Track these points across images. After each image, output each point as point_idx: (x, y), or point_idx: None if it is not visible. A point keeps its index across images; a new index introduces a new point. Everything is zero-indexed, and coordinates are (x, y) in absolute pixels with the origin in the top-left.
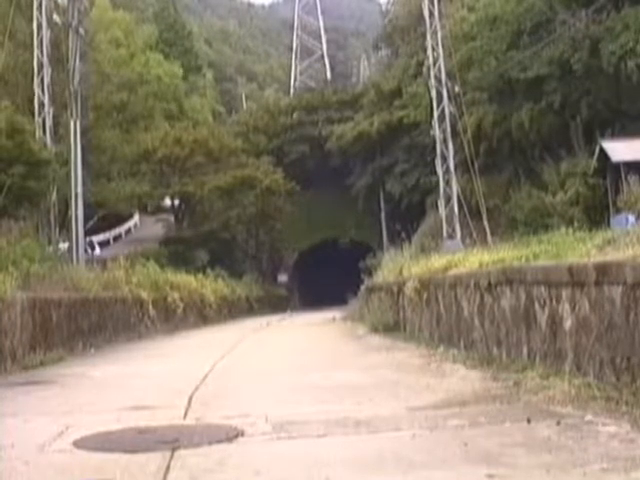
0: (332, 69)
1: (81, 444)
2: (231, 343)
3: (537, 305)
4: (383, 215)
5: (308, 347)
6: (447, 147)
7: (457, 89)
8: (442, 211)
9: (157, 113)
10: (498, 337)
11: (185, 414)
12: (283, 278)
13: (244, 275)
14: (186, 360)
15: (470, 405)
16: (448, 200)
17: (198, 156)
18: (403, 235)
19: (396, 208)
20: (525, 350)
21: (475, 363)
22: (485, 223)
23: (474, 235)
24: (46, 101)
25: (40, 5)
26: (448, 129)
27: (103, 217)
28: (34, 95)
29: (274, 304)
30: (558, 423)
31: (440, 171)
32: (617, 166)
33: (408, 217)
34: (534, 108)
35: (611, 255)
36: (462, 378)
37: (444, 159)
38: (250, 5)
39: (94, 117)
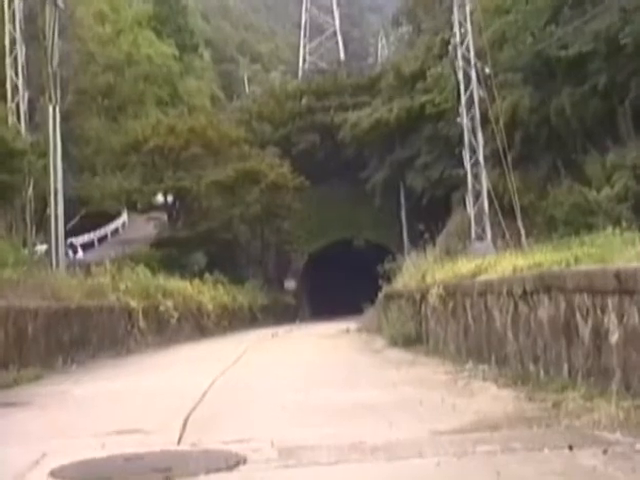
0: (346, 48)
1: (59, 474)
2: (232, 357)
3: (579, 316)
4: (403, 213)
5: (319, 362)
6: (476, 137)
7: (488, 70)
8: (470, 209)
9: (148, 98)
10: (534, 352)
11: (180, 438)
12: (291, 284)
13: (247, 281)
14: (181, 376)
15: (502, 429)
16: (477, 196)
17: (194, 147)
18: (426, 236)
19: (418, 205)
20: (565, 367)
21: (508, 381)
22: (519, 222)
23: (507, 236)
24: (20, 84)
25: None
26: (477, 116)
27: (87, 216)
28: (6, 77)
29: (281, 314)
30: (605, 451)
31: (468, 164)
32: None
33: (431, 215)
34: (576, 91)
35: None
36: (493, 398)
37: (472, 150)
38: None
39: (76, 102)
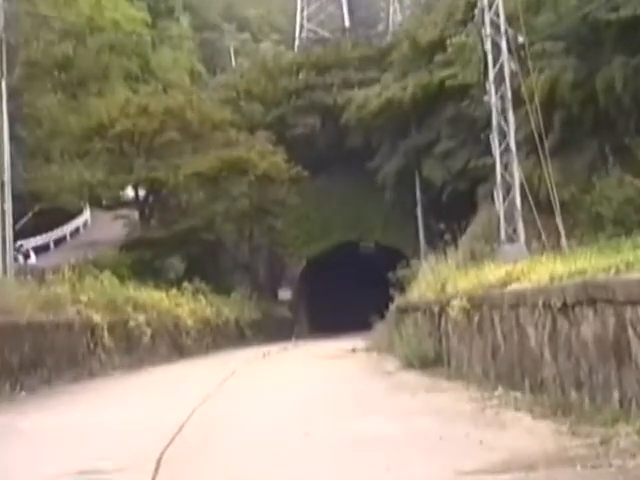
0: (351, 14)
1: None
2: (215, 381)
3: (632, 333)
4: (419, 210)
5: (319, 387)
6: (507, 118)
7: (521, 39)
8: (499, 205)
9: (114, 72)
10: (577, 376)
11: None
12: (286, 294)
13: (233, 290)
14: (154, 406)
15: (540, 469)
16: (508, 190)
17: (171, 131)
18: (446, 237)
19: (437, 201)
20: (616, 395)
21: (545, 411)
22: (558, 221)
23: (543, 237)
24: None
25: None
26: (508, 94)
27: (40, 214)
28: None
29: (273, 329)
30: None
31: (497, 151)
32: None
33: (453, 213)
34: (629, 62)
35: None
36: (528, 431)
37: (502, 135)
38: None
39: (26, 76)
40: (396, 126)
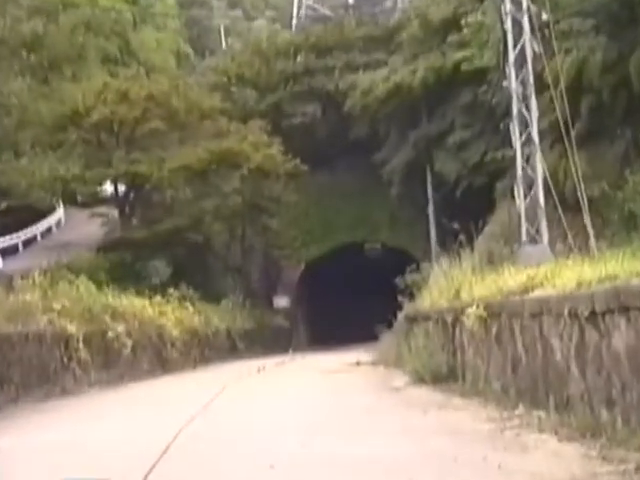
0: None
1: None
2: (202, 401)
3: None
4: (431, 208)
5: (319, 405)
6: (528, 105)
7: (545, 16)
8: (520, 202)
9: (90, 54)
10: (608, 394)
11: None
12: (282, 302)
13: (224, 298)
14: (134, 427)
15: None
16: (530, 185)
17: (154, 120)
18: (461, 237)
19: (450, 197)
20: None
21: (573, 433)
22: (586, 219)
23: (569, 238)
24: None
25: None
26: (530, 78)
27: (8, 211)
28: None
29: (269, 341)
30: None
31: (518, 142)
32: None
33: (468, 211)
34: None
35: None
36: (554, 455)
37: (524, 124)
38: None
39: None
40: (405, 114)
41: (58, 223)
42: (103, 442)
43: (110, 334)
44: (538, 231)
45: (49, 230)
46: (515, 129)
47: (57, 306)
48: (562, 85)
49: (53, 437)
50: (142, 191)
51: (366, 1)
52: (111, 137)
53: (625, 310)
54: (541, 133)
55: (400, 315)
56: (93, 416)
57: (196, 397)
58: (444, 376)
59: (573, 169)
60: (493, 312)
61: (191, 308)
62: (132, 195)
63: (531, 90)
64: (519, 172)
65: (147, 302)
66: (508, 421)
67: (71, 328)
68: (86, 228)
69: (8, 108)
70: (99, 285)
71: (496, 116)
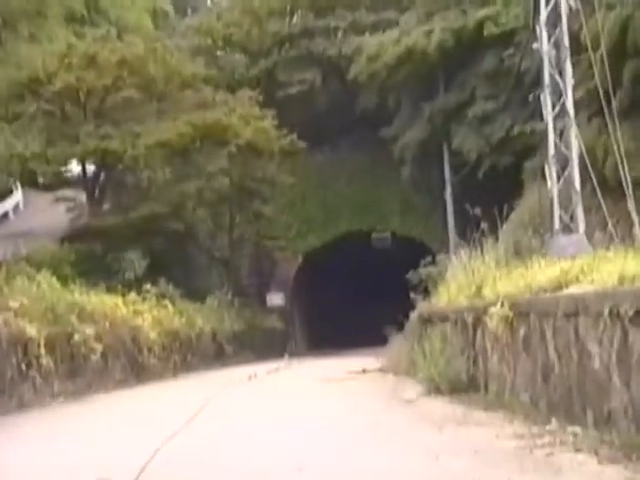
0: None
1: None
2: (181, 417)
3: None
4: (448, 192)
5: (319, 418)
6: (562, 72)
7: None
8: (552, 185)
9: (52, 10)
10: None
11: None
12: (277, 300)
13: (209, 295)
14: (98, 449)
15: None
16: (563, 165)
17: (127, 88)
18: (483, 225)
19: (471, 180)
20: None
21: (615, 453)
22: (630, 204)
23: (609, 226)
24: None
25: None
26: (565, 40)
27: None
28: None
29: (261, 344)
30: None
31: (550, 115)
32: None
33: (492, 195)
34: None
35: None
36: (592, 479)
37: (557, 93)
38: None
39: None
40: (419, 83)
41: (15, 208)
42: (53, 468)
43: (76, 337)
44: (573, 218)
45: (5, 216)
46: (547, 99)
47: (14, 304)
48: (603, 48)
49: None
50: (114, 172)
51: None
52: (77, 108)
53: None
54: (577, 104)
55: (413, 315)
56: (52, 434)
57: (174, 413)
58: (463, 386)
59: (614, 146)
60: (520, 312)
61: (171, 307)
62: (102, 176)
63: (566, 54)
64: (551, 150)
65: (120, 300)
66: (538, 438)
67: (30, 330)
68: (48, 214)
69: None
70: (64, 281)
71: (524, 85)
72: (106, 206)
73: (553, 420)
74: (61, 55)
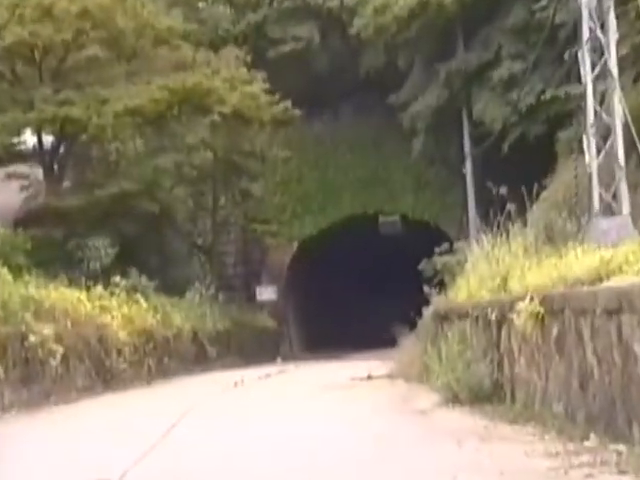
0: None
1: None
2: (155, 432)
3: None
4: (468, 167)
5: (316, 435)
6: (605, 25)
7: None
8: (592, 159)
9: None
10: None
11: None
12: (268, 294)
13: (189, 288)
14: (58, 472)
15: None
16: (605, 136)
17: (91, 45)
18: (509, 207)
19: (495, 153)
20: None
21: None
22: None
23: None
24: None
25: None
26: None
27: None
28: None
29: (250, 346)
30: None
31: (589, 76)
32: None
33: (519, 171)
34: None
35: None
36: None
37: (598, 51)
38: None
39: None
40: (434, 40)
41: None
42: None
43: (32, 338)
44: (616, 198)
45: None
46: (585, 58)
47: None
48: None
49: None
50: (76, 143)
51: None
52: (31, 69)
53: None
54: (621, 63)
55: (426, 312)
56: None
57: (145, 427)
58: (486, 394)
59: None
60: (553, 308)
61: (144, 302)
62: (62, 149)
63: (609, 3)
64: (590, 117)
65: (84, 295)
66: (575, 457)
67: None
68: None
69: None
70: (17, 272)
71: (559, 41)
72: (67, 184)
73: (592, 435)
74: (11, 5)
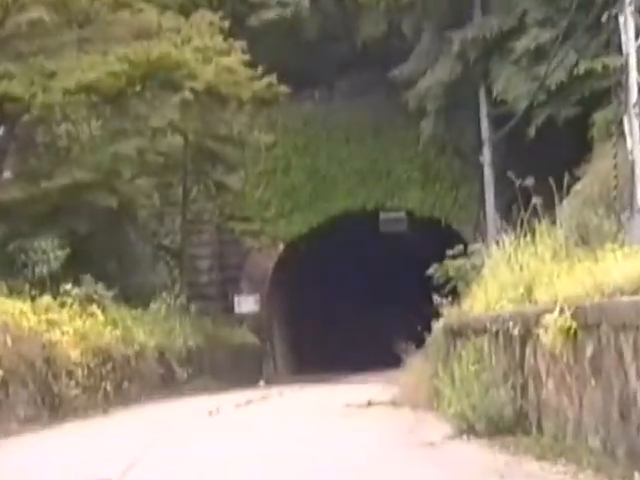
0: None
1: None
2: (111, 471)
3: None
4: (487, 155)
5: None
6: None
7: None
8: (634, 144)
9: None
10: None
11: None
12: (248, 304)
13: (154, 298)
14: None
15: None
16: None
17: (35, 7)
18: (535, 202)
19: (518, 139)
20: None
21: None
22: None
23: None
24: None
25: None
26: None
27: None
28: None
29: (228, 366)
30: None
31: (631, 45)
32: None
33: (548, 160)
34: None
35: None
36: None
37: None
38: None
39: None
40: (446, 3)
41: None
42: None
43: None
44: None
45: None
46: (627, 22)
47: None
48: None
49: None
50: (17, 125)
51: None
52: None
53: None
54: None
55: (436, 326)
56: None
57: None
58: (508, 425)
59: None
60: (587, 321)
61: (100, 315)
62: (1, 132)
63: None
64: (633, 95)
65: (27, 306)
66: None
67: None
68: None
69: None
70: None
71: (595, 3)
72: (7, 174)
73: (636, 475)
74: None
